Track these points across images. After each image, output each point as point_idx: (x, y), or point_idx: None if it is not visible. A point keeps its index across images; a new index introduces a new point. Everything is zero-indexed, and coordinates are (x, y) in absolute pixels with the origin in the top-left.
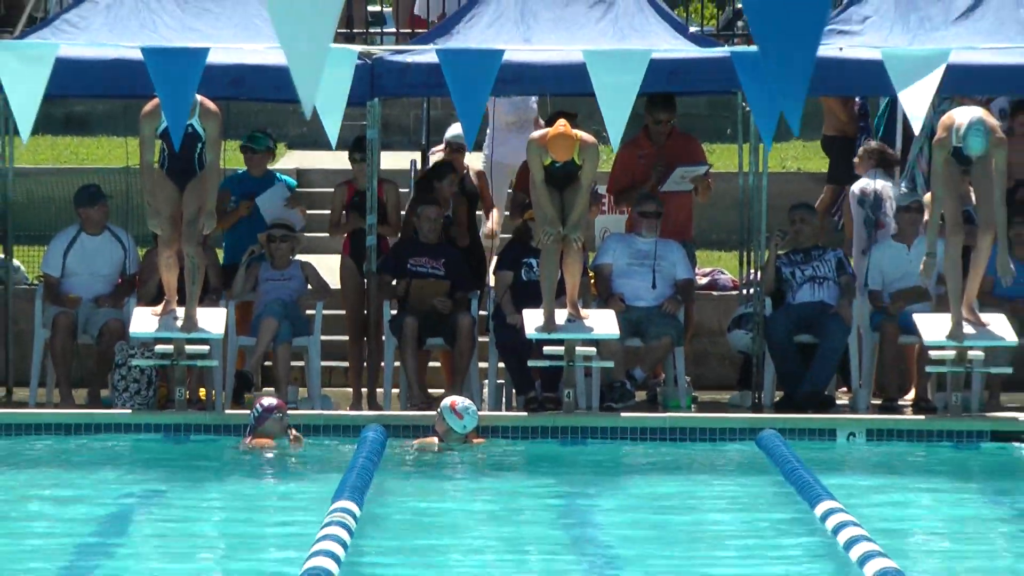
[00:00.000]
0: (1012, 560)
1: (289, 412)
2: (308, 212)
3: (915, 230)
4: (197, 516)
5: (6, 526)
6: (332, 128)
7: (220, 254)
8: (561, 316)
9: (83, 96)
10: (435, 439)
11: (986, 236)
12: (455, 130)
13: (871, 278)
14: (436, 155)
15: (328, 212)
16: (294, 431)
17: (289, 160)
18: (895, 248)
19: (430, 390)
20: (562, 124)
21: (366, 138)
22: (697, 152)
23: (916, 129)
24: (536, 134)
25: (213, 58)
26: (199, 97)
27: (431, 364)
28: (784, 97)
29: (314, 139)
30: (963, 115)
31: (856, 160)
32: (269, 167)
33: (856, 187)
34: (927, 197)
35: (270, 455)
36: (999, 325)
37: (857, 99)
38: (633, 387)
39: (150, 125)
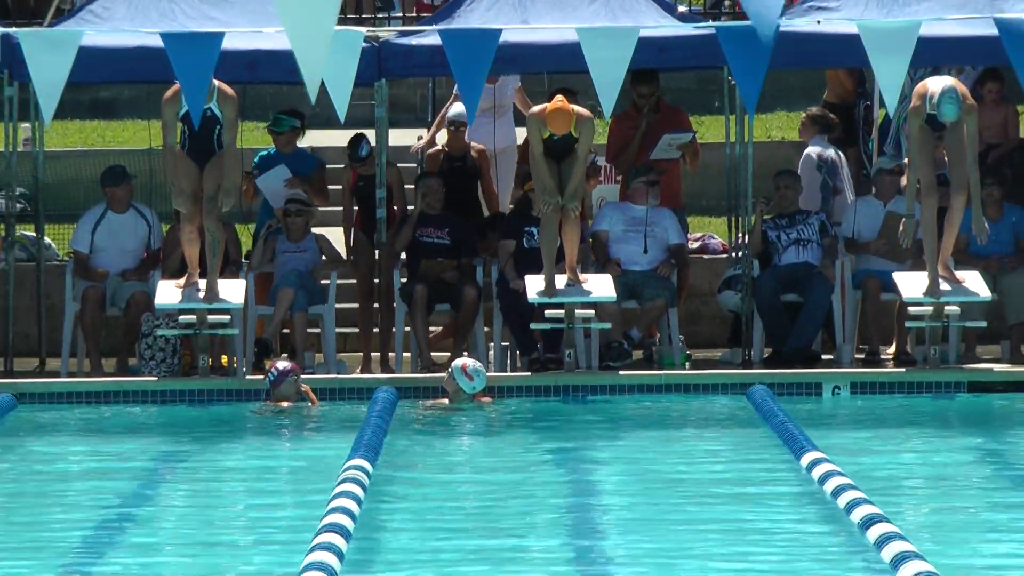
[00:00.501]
0: (987, 507)
1: (306, 376)
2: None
3: (893, 192)
4: (221, 475)
5: (42, 488)
6: (341, 106)
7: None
8: (561, 281)
9: (108, 82)
10: (445, 400)
11: (959, 197)
12: (456, 109)
13: (846, 228)
14: (434, 134)
15: (340, 187)
16: (307, 388)
17: (305, 139)
18: (874, 206)
19: (436, 354)
20: (559, 99)
21: (359, 141)
22: (684, 124)
23: (888, 99)
24: (535, 109)
25: (229, 44)
26: (216, 82)
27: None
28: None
29: (327, 118)
30: (936, 83)
31: (800, 125)
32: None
33: (812, 152)
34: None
35: (288, 417)
36: (973, 281)
37: None
38: (630, 346)
39: (171, 109)
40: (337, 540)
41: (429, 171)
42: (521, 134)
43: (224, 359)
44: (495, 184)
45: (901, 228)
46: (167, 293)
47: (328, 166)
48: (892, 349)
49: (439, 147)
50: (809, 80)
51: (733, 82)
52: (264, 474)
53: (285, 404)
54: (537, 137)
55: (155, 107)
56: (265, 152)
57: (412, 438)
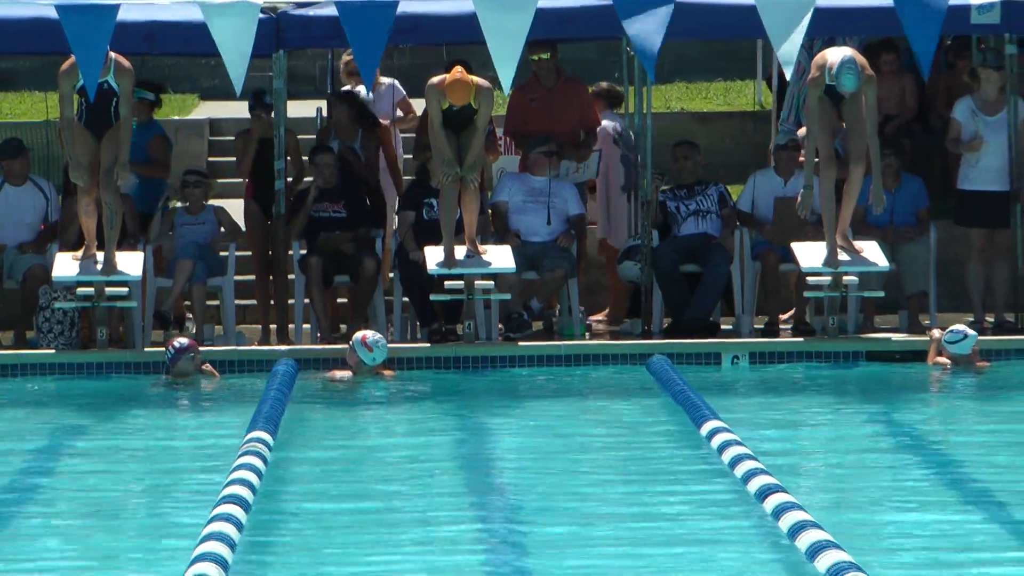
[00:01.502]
0: (884, 473)
1: (205, 348)
2: (221, 159)
3: (792, 167)
4: (120, 447)
5: None
6: (238, 78)
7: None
8: (461, 252)
9: (6, 53)
10: (348, 372)
11: (858, 168)
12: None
13: (744, 202)
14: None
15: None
16: (208, 366)
17: (202, 111)
18: (774, 181)
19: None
20: (459, 70)
21: (262, 92)
22: (583, 95)
23: (786, 71)
24: (434, 80)
25: (126, 15)
26: (113, 55)
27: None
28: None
29: (225, 90)
30: (835, 54)
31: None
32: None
33: (609, 126)
34: (801, 132)
35: (187, 390)
36: (872, 252)
37: None
38: (530, 317)
39: (68, 82)
40: (237, 511)
41: (321, 146)
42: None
43: (123, 331)
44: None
45: (798, 199)
46: (65, 266)
47: (227, 138)
48: (786, 316)
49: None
50: (708, 51)
51: (632, 53)
52: (164, 447)
53: (184, 378)
54: (436, 108)
55: (53, 78)
56: None
57: (312, 410)
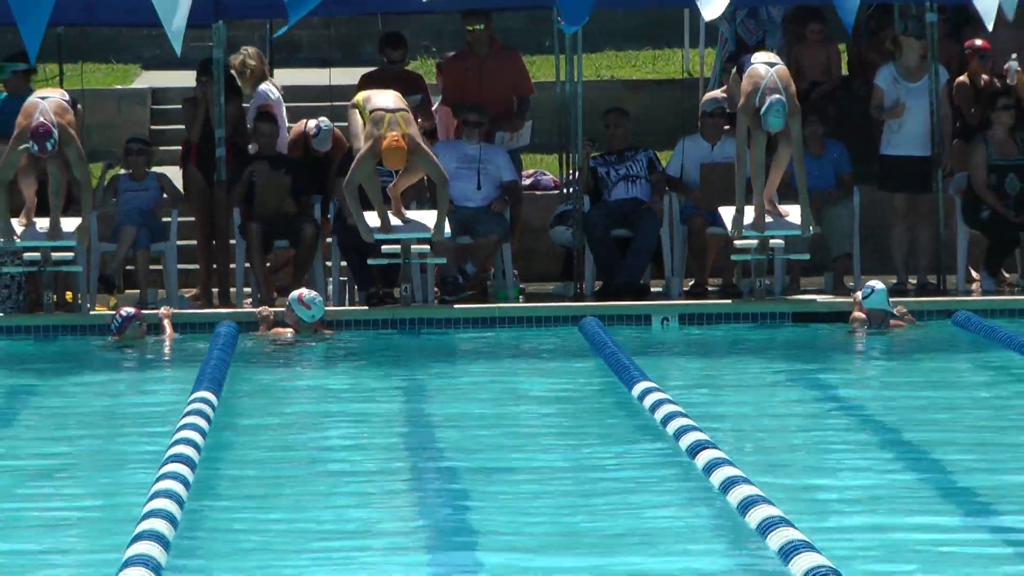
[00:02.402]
0: (809, 430)
1: (148, 312)
2: (163, 127)
3: (718, 133)
4: (67, 408)
5: None
6: (176, 37)
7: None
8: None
9: None
10: (289, 330)
11: (785, 146)
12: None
13: (672, 167)
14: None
15: (182, 127)
16: (167, 323)
17: (144, 80)
18: (702, 147)
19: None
20: (394, 136)
21: (209, 61)
22: (517, 63)
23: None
24: (367, 147)
25: None
26: (57, 127)
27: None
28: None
29: (167, 60)
30: (765, 90)
31: None
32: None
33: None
34: (714, 94)
35: (135, 352)
36: (797, 215)
37: None
38: (465, 281)
39: (17, 149)
40: (183, 470)
41: (263, 114)
42: None
43: (69, 295)
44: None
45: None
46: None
47: (170, 107)
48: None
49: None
50: (636, 20)
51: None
52: (110, 407)
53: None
54: (366, 171)
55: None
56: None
57: (253, 370)
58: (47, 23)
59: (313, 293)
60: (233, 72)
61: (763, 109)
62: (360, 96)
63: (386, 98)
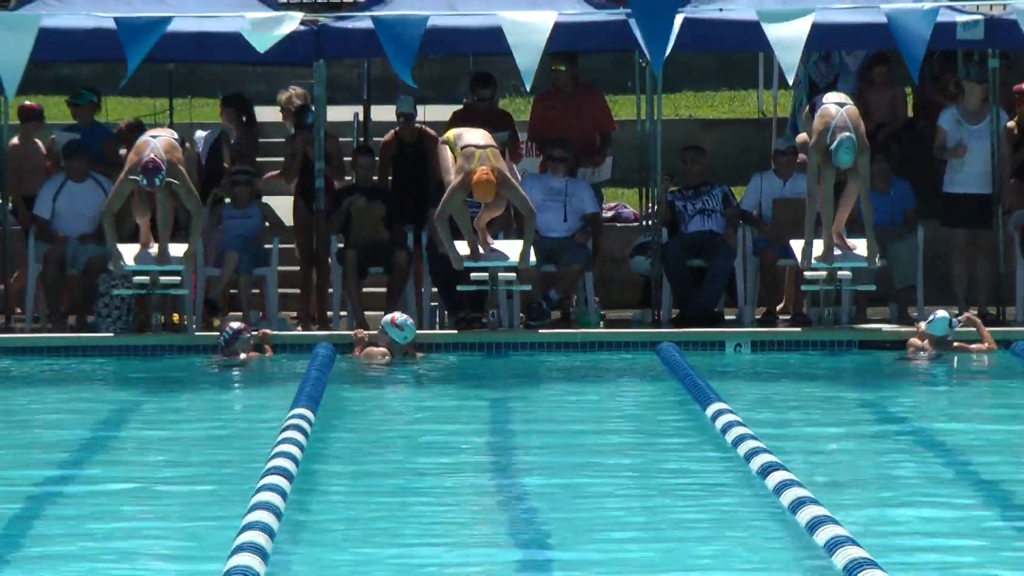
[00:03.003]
0: (873, 451)
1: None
2: (262, 160)
3: (790, 170)
4: (174, 423)
5: (10, 436)
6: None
7: None
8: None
9: (67, 60)
10: (382, 350)
11: (854, 182)
12: (400, 105)
13: (746, 202)
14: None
15: (281, 159)
16: (267, 343)
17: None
18: (774, 183)
19: (371, 312)
20: (485, 171)
21: (304, 109)
22: (599, 102)
23: (789, 79)
24: (458, 180)
25: (180, 26)
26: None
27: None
28: (651, 53)
29: (270, 96)
30: (836, 126)
31: None
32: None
33: None
34: (800, 138)
35: (236, 370)
36: (863, 249)
37: None
38: (549, 307)
39: (129, 184)
40: (282, 482)
41: (364, 146)
42: None
43: (176, 317)
44: None
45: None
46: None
47: (270, 141)
48: (780, 306)
49: (392, 134)
50: (711, 61)
51: (644, 64)
52: (213, 420)
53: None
54: (458, 200)
55: (112, 82)
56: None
57: (349, 389)
58: (158, 59)
59: (405, 316)
60: (280, 106)
61: (833, 145)
62: (451, 133)
63: (476, 135)
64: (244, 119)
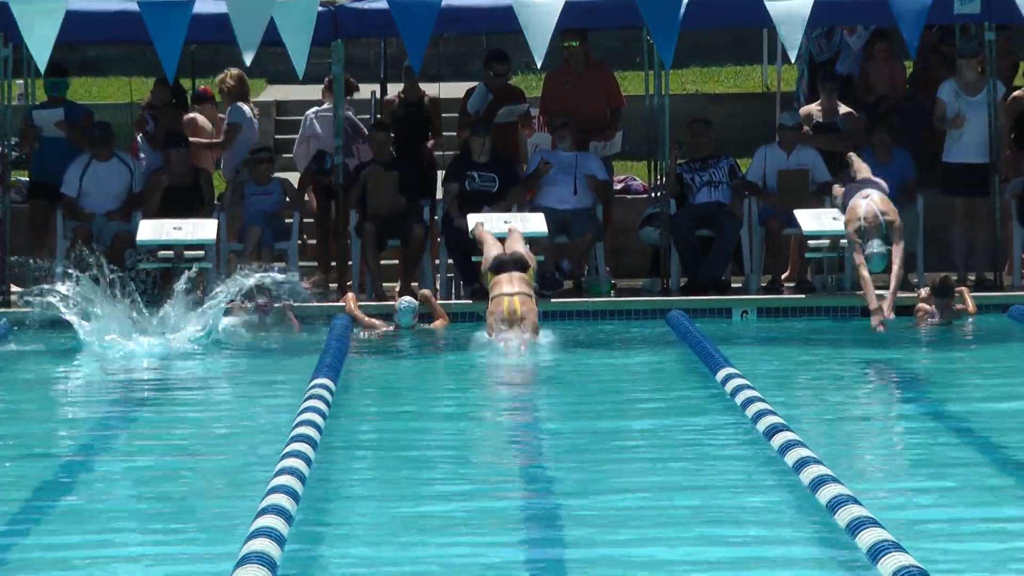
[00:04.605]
0: (873, 412)
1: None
2: (285, 136)
3: (794, 143)
4: (200, 385)
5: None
6: (300, 64)
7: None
8: (498, 218)
9: (94, 42)
10: (382, 322)
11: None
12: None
13: (752, 173)
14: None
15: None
16: (291, 313)
17: (270, 93)
18: (778, 155)
19: (386, 284)
20: (515, 304)
21: (324, 155)
22: (610, 78)
23: (791, 55)
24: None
25: (203, 8)
26: None
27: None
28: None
29: (291, 75)
30: (867, 230)
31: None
32: None
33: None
34: (803, 110)
35: (262, 339)
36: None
37: None
38: (561, 277)
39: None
40: (305, 448)
41: (380, 123)
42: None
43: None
44: None
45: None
46: (147, 231)
47: (292, 118)
48: (785, 274)
49: (395, 95)
50: (717, 38)
51: (651, 41)
52: (239, 387)
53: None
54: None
55: (137, 64)
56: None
57: (365, 358)
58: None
59: (402, 300)
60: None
61: (867, 252)
62: (490, 274)
63: (511, 284)
64: (175, 101)
